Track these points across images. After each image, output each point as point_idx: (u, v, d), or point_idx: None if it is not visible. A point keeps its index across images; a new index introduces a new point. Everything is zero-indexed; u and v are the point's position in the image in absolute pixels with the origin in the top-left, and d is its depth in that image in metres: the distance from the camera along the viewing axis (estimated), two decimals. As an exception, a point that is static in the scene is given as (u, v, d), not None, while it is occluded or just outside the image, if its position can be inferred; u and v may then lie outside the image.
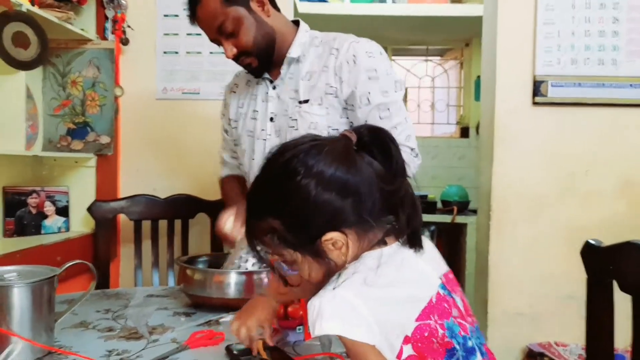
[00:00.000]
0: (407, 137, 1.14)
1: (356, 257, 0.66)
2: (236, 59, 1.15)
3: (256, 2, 1.14)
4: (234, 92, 1.31)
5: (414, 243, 0.68)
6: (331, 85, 1.14)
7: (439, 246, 2.70)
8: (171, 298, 1.15)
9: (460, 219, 2.77)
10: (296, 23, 1.23)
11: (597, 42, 1.76)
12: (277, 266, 0.90)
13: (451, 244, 3.03)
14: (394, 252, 0.67)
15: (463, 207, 2.88)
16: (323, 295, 0.63)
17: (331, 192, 0.64)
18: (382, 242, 0.68)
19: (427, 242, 0.71)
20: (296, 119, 1.15)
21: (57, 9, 1.50)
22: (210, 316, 1.00)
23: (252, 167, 1.22)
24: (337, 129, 1.15)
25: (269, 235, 0.68)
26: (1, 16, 1.31)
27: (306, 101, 1.15)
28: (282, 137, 1.18)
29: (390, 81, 1.15)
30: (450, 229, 2.88)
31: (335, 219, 0.65)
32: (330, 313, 0.61)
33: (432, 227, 2.88)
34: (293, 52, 1.18)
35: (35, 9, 1.40)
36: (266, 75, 1.21)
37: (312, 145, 0.68)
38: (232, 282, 1.02)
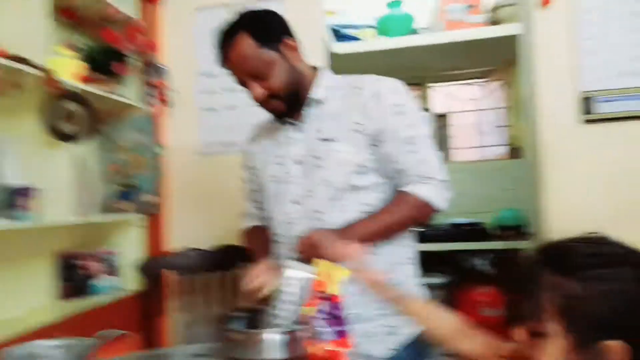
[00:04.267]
0: (435, 169, 1.12)
1: None
2: (263, 101, 1.15)
3: (287, 47, 1.15)
4: (255, 141, 1.33)
5: None
6: (357, 122, 1.13)
7: (496, 275, 2.49)
8: (215, 358, 1.15)
9: (517, 245, 2.61)
10: (314, 68, 1.25)
11: (645, 51, 1.64)
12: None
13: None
14: None
15: (520, 231, 2.71)
16: None
17: None
18: None
19: None
20: (322, 157, 1.14)
21: (103, 83, 1.63)
22: (250, 376, 0.99)
23: (279, 212, 1.21)
24: (365, 166, 1.14)
25: (557, 297, 0.62)
26: (54, 97, 1.44)
27: (332, 139, 1.14)
28: (309, 178, 1.16)
29: (416, 116, 1.14)
30: (507, 255, 2.72)
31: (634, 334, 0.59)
32: None
33: (492, 256, 2.73)
34: (315, 94, 1.18)
35: (84, 86, 1.53)
36: (288, 120, 1.21)
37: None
38: (272, 342, 0.98)
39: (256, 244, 1.29)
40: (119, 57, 1.71)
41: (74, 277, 1.61)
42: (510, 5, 2.66)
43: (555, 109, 1.70)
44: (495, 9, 2.79)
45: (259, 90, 1.13)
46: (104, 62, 1.69)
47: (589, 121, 1.67)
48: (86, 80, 1.58)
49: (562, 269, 0.63)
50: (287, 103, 1.16)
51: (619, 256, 0.63)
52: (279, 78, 1.13)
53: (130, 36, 1.71)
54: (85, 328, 0.94)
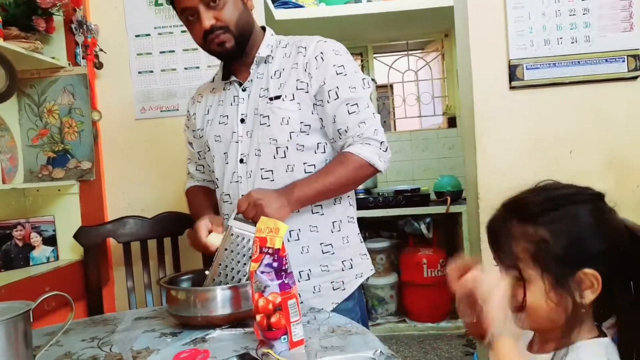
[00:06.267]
0: (375, 131, 1.15)
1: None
2: (211, 33, 1.10)
3: None
4: (199, 102, 1.31)
5: None
6: (301, 80, 1.14)
7: (435, 237, 2.68)
8: (159, 319, 1.14)
9: (454, 209, 2.77)
10: (262, 29, 1.25)
11: (569, 20, 1.76)
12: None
13: (448, 234, 3.02)
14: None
15: (457, 196, 2.87)
16: None
17: (621, 239, 0.67)
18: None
19: None
20: (267, 116, 1.15)
21: (24, 40, 1.50)
22: (196, 334, 0.99)
23: (226, 171, 1.21)
24: (309, 125, 1.15)
25: (527, 244, 0.68)
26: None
27: (277, 97, 1.14)
28: (255, 137, 1.17)
29: (358, 78, 1.16)
30: (445, 219, 2.88)
31: (608, 262, 0.66)
32: None
33: (428, 219, 2.88)
34: (262, 51, 1.19)
35: (1, 42, 1.40)
36: (234, 78, 1.21)
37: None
38: (216, 299, 1.00)
39: (198, 202, 1.30)
40: (41, 11, 1.57)
41: (6, 248, 1.51)
42: (446, -25, 2.74)
43: (486, 77, 1.79)
44: (431, -21, 2.86)
45: (210, 17, 1.09)
46: (22, 16, 1.54)
47: (514, 88, 1.77)
48: (4, 36, 1.44)
49: (527, 218, 0.69)
50: (236, 41, 1.13)
51: (569, 196, 0.70)
52: (232, 11, 1.11)
53: (50, -12, 1.56)
54: (23, 298, 0.90)
